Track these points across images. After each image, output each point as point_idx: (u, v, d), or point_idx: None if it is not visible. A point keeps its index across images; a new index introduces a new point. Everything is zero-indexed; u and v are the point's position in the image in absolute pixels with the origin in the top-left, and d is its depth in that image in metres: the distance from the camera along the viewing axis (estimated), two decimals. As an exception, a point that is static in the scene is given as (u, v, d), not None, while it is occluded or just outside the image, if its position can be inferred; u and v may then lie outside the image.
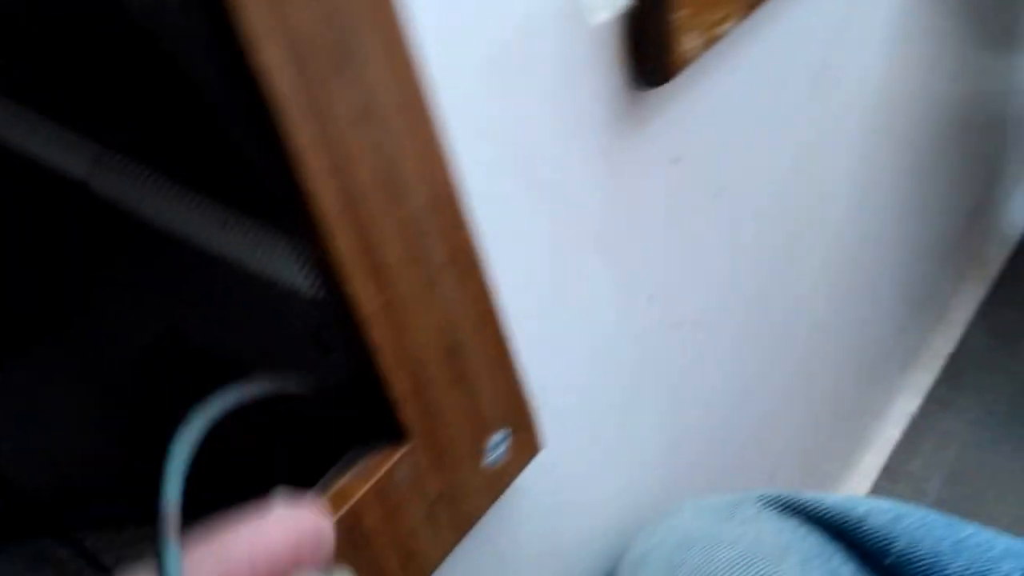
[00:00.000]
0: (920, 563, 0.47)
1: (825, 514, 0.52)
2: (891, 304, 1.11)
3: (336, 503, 0.34)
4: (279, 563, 0.22)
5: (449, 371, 0.37)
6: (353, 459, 0.36)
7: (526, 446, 0.43)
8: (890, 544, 0.49)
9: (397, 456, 0.36)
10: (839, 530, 0.51)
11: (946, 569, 0.47)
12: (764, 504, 0.55)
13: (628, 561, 0.57)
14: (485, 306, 0.38)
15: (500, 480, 0.42)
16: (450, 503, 0.39)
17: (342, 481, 0.35)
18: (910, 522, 0.49)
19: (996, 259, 1.43)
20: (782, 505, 0.55)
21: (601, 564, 0.60)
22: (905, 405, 1.24)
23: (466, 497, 0.40)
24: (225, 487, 0.33)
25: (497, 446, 0.42)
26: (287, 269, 0.38)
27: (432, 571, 0.39)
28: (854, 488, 1.13)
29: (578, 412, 0.52)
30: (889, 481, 1.15)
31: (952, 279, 1.35)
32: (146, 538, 0.66)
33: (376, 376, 0.34)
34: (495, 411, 0.40)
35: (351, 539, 0.35)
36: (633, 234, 0.51)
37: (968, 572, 0.47)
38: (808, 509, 0.53)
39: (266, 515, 0.23)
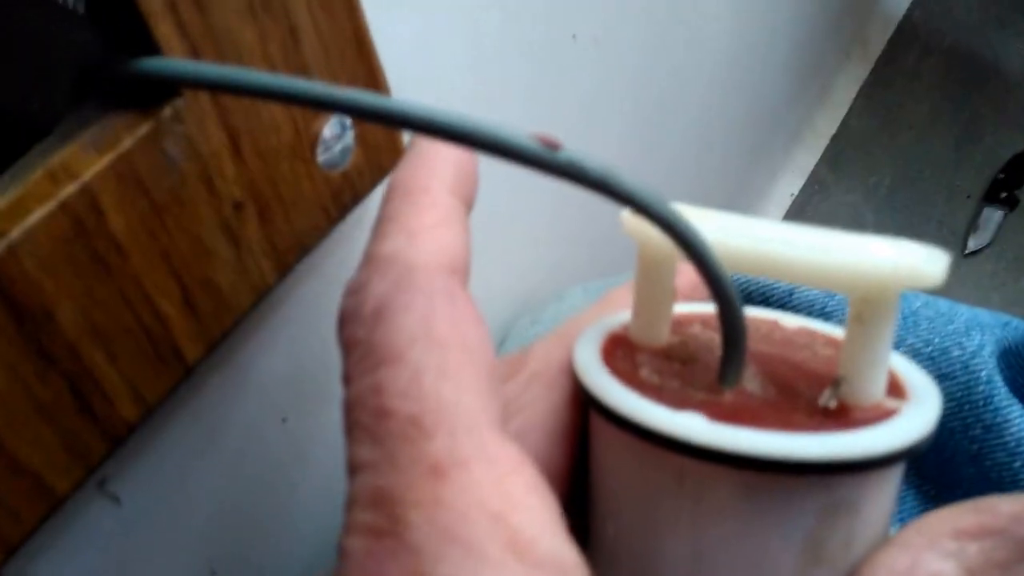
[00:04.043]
0: None
1: (743, 288, 0.40)
2: (778, 76, 1.03)
3: (46, 188, 0.20)
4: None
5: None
6: (84, 120, 0.21)
7: (380, 150, 0.30)
8: (827, 317, 0.39)
9: (164, 116, 0.22)
10: (762, 303, 0.40)
11: (901, 344, 0.37)
12: None
13: (507, 351, 0.45)
14: None
15: (340, 194, 0.28)
16: (263, 216, 0.26)
17: (65, 150, 0.21)
18: None
19: (878, 40, 1.35)
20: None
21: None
22: (787, 187, 1.17)
23: (288, 211, 0.26)
24: None
25: (337, 140, 0.28)
26: None
27: (236, 318, 0.26)
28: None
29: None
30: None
31: (836, 58, 1.27)
32: None
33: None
34: (328, 79, 0.26)
35: (80, 247, 0.21)
36: None
37: (929, 348, 0.37)
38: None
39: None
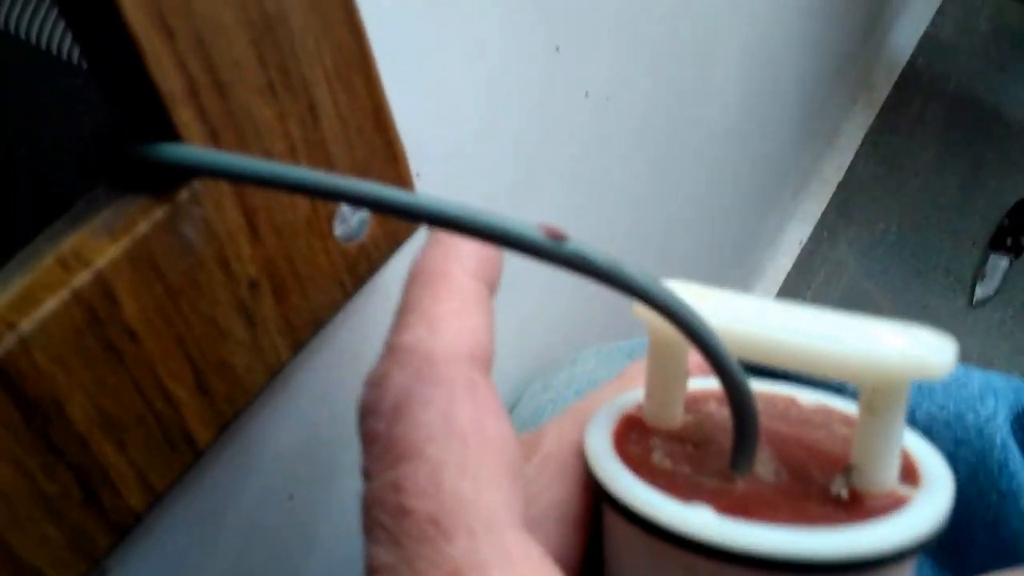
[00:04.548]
0: None
1: None
2: (786, 125, 1.03)
3: (57, 276, 0.19)
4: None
5: (253, 66, 0.22)
6: (96, 203, 0.21)
7: (395, 222, 0.29)
8: (843, 391, 0.38)
9: (182, 199, 0.21)
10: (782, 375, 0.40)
11: (917, 410, 0.36)
12: None
13: (519, 418, 0.44)
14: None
15: (356, 266, 0.28)
16: (278, 293, 0.25)
17: (77, 236, 0.20)
18: None
19: (883, 85, 1.36)
20: None
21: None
22: (796, 234, 1.16)
23: (304, 286, 0.26)
24: None
25: (354, 212, 0.27)
26: None
27: (249, 399, 0.25)
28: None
29: (464, 188, 0.38)
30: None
31: (842, 104, 1.28)
32: None
33: (123, 49, 0.19)
34: (346, 154, 0.26)
35: (92, 337, 0.20)
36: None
37: (944, 413, 0.37)
38: None
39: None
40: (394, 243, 0.30)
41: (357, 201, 0.17)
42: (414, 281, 0.20)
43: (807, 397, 0.23)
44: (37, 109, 0.25)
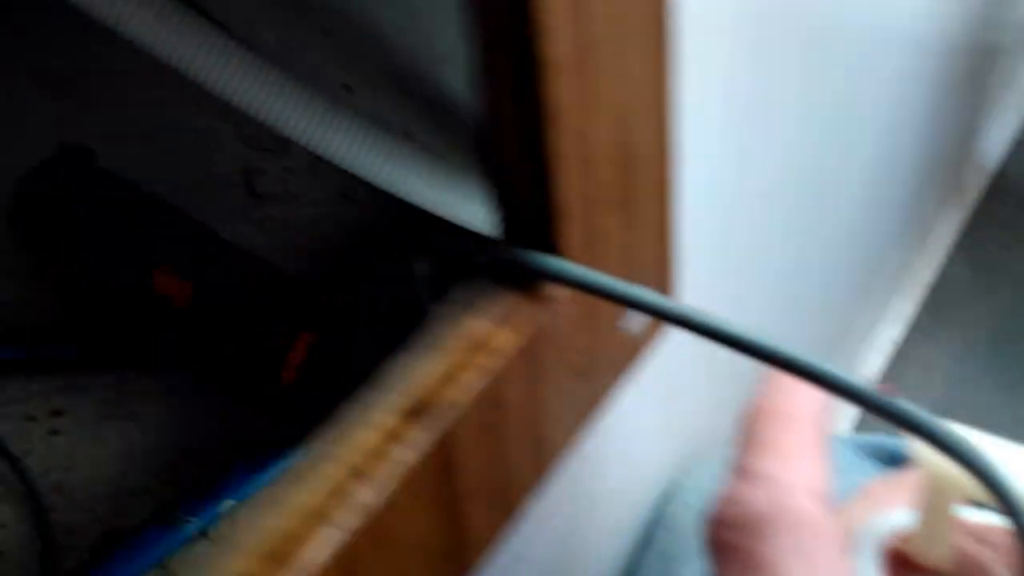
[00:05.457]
0: None
1: None
2: (878, 224, 1.06)
3: (463, 354, 0.23)
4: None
5: (617, 184, 0.26)
6: (476, 295, 0.25)
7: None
8: None
9: (546, 296, 0.25)
10: None
11: None
12: (857, 449, 0.47)
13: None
14: (664, 111, 0.26)
15: (632, 349, 0.31)
16: (586, 372, 0.28)
17: (475, 325, 0.24)
18: None
19: (973, 189, 1.38)
20: (872, 451, 0.47)
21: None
22: (888, 332, 1.18)
23: (598, 366, 0.29)
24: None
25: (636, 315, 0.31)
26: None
27: (553, 461, 0.29)
28: (842, 417, 1.07)
29: (709, 286, 0.42)
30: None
31: (934, 205, 1.30)
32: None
33: (539, 163, 0.22)
34: (647, 256, 0.29)
35: (482, 414, 0.24)
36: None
37: None
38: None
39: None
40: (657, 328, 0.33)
41: (693, 328, 0.21)
42: (763, 416, 0.24)
43: None
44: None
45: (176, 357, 0.55)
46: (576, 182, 0.23)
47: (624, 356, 0.30)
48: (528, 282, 0.25)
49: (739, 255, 0.54)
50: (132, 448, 0.53)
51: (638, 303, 0.23)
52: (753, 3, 0.40)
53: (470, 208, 0.45)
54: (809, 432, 0.23)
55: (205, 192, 0.61)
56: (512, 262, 0.24)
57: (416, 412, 0.22)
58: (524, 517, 0.28)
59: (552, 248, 0.24)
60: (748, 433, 0.24)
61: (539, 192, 0.23)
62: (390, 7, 0.50)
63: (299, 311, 0.47)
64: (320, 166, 0.64)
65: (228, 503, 0.49)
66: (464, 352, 0.23)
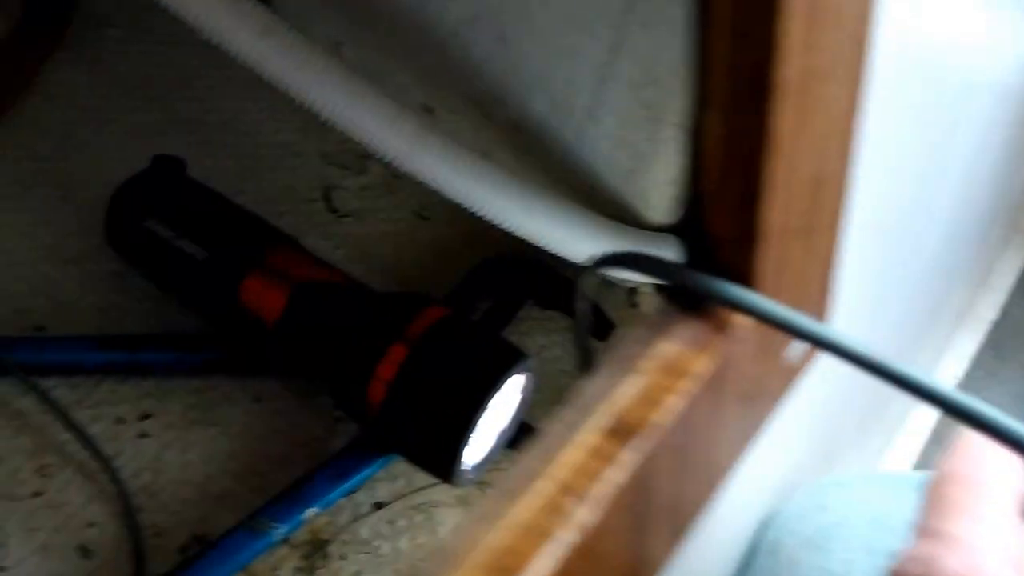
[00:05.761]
0: None
1: None
2: (949, 263, 1.05)
3: (662, 377, 0.23)
4: None
5: (806, 212, 0.26)
6: (664, 319, 0.25)
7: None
8: None
9: (723, 321, 0.25)
10: None
11: None
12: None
13: (800, 534, 0.46)
14: (851, 142, 0.27)
15: (789, 376, 0.31)
16: (753, 397, 0.28)
17: (667, 348, 0.24)
18: None
19: (1035, 230, 1.37)
20: None
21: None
22: (951, 370, 1.17)
23: (764, 392, 0.29)
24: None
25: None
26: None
27: (720, 484, 0.29)
28: (905, 451, 1.06)
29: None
30: (939, 446, 1.08)
31: (998, 244, 1.29)
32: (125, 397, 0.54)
33: (751, 189, 0.22)
34: (814, 284, 0.29)
35: (675, 437, 0.24)
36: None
37: None
38: None
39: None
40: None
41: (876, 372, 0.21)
42: (955, 479, 0.24)
43: None
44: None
45: (263, 366, 0.56)
46: (779, 211, 0.23)
47: (784, 383, 0.30)
48: (710, 307, 0.25)
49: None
50: (218, 453, 0.54)
51: (822, 341, 0.23)
52: (913, 51, 0.40)
53: (550, 229, 0.46)
54: (1004, 498, 0.23)
55: (287, 205, 0.62)
56: (704, 289, 0.24)
57: (621, 433, 0.22)
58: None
59: (744, 276, 0.24)
60: (937, 496, 0.23)
61: (746, 218, 0.23)
62: (479, 31, 0.51)
63: (390, 325, 0.47)
64: (396, 185, 0.65)
65: (312, 511, 0.50)
66: (661, 374, 0.23)
